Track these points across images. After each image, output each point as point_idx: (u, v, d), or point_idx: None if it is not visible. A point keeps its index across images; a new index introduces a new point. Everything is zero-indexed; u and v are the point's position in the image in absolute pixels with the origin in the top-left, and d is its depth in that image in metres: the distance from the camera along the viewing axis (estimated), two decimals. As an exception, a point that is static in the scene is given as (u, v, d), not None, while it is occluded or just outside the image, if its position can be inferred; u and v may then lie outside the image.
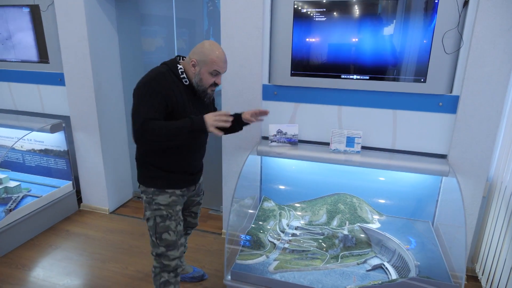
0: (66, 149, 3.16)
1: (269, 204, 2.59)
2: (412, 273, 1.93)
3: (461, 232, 1.91)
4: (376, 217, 2.44)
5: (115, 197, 3.34)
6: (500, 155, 2.24)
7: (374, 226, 2.35)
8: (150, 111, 1.58)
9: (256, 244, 2.24)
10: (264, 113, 1.86)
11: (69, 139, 3.16)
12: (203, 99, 1.77)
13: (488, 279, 2.24)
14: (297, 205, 2.57)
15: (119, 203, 3.41)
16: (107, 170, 3.17)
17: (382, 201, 2.52)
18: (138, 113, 1.58)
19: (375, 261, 2.14)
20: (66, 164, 3.20)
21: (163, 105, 1.61)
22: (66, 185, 3.16)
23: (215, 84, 1.73)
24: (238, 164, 2.65)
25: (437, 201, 2.38)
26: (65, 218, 3.16)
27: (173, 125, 1.59)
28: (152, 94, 1.59)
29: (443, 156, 2.29)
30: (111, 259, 2.60)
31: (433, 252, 2.11)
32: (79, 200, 3.34)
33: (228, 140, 2.64)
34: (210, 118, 1.60)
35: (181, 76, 1.69)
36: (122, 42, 3.11)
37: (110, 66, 3.08)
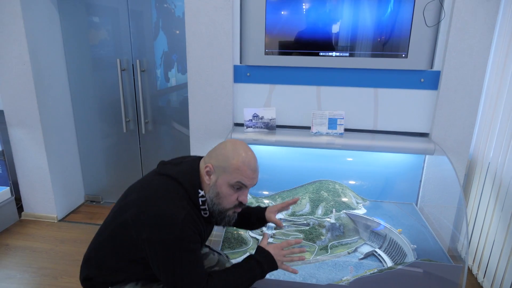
0: (0, 149, 2.67)
1: (245, 197, 2.35)
2: (410, 257, 1.81)
3: (459, 211, 1.83)
4: (360, 202, 2.32)
5: (64, 202, 2.90)
6: (479, 131, 2.21)
7: (360, 212, 2.22)
8: (200, 269, 1.19)
9: (237, 241, 2.01)
10: (293, 202, 1.54)
11: (4, 138, 2.68)
12: (218, 224, 1.31)
13: (475, 257, 2.21)
14: (277, 196, 2.37)
15: (69, 209, 2.98)
16: (53, 171, 2.74)
17: (363, 184, 2.40)
18: (188, 280, 1.16)
19: (366, 249, 2.01)
20: (1, 166, 2.71)
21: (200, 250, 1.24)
22: (2, 192, 2.67)
23: (240, 204, 1.27)
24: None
25: (420, 181, 2.30)
26: (3, 230, 2.68)
27: (240, 278, 1.24)
28: (190, 249, 1.17)
29: (425, 135, 2.22)
30: (64, 273, 2.21)
31: (425, 234, 2.02)
32: (20, 208, 2.86)
33: (196, 127, 2.37)
34: (279, 255, 1.30)
35: (201, 207, 1.25)
36: (64, 22, 2.69)
37: (52, 50, 2.65)
